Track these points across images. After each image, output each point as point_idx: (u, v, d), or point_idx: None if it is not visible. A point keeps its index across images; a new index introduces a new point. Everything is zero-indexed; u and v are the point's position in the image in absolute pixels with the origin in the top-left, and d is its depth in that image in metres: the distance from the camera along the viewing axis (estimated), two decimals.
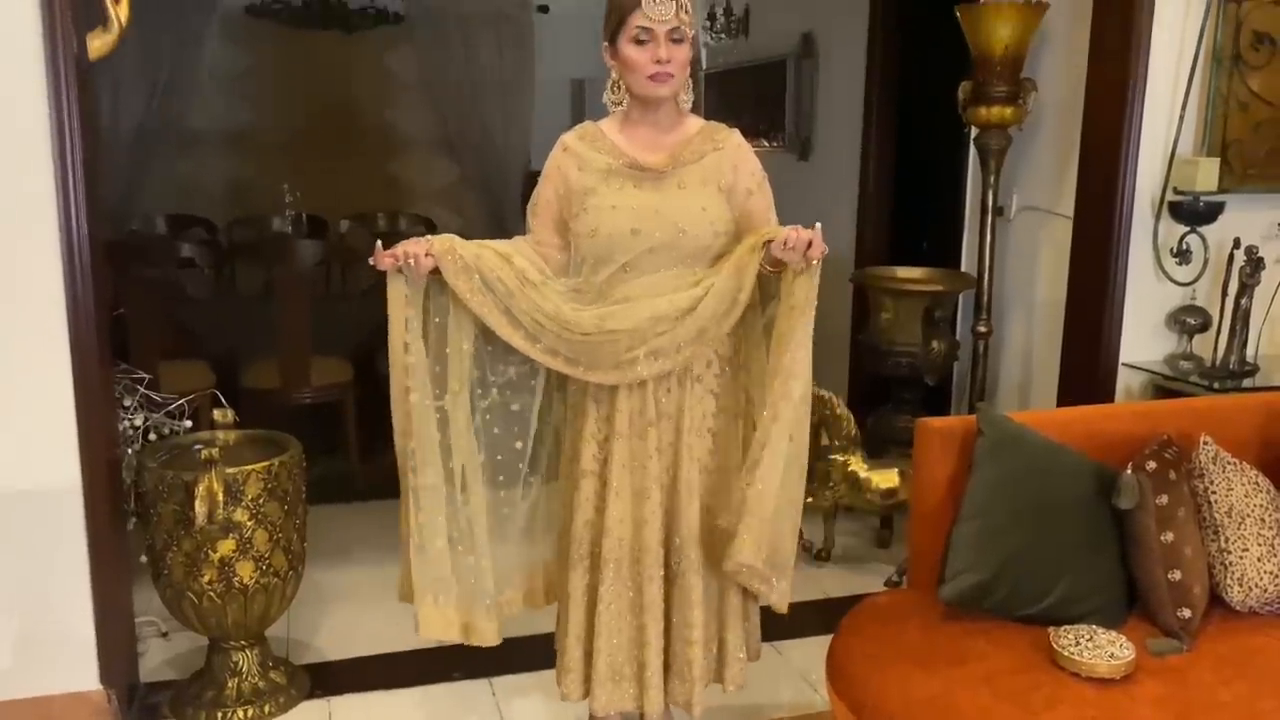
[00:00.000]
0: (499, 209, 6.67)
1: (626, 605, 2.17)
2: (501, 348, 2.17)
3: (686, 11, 2.04)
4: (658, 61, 2.03)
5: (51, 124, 2.31)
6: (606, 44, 2.09)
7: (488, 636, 2.21)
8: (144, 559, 2.65)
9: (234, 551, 2.53)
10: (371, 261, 2.07)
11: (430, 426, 2.13)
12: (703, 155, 2.12)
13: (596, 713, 2.25)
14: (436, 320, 2.13)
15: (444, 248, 2.07)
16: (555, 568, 2.30)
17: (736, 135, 2.19)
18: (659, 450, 2.14)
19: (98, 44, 2.37)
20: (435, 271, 2.08)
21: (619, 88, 2.12)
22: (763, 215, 2.17)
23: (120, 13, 2.37)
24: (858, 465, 3.53)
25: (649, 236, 2.06)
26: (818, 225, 2.00)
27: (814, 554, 3.69)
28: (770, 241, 2.01)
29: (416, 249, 2.05)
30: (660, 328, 2.07)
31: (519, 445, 2.22)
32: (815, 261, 2.01)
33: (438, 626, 2.20)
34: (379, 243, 2.08)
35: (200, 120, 6.51)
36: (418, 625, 2.19)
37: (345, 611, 3.24)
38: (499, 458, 2.21)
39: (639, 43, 2.03)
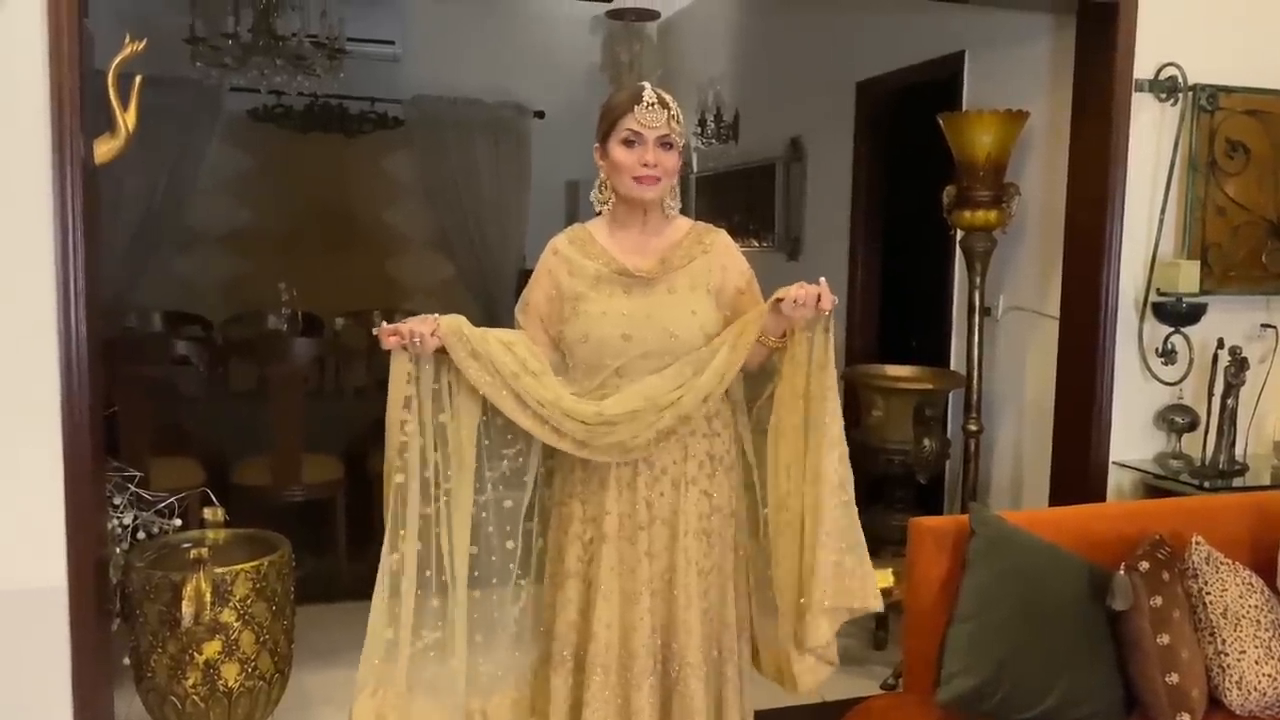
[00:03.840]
0: (493, 307, 6.74)
1: (614, 712, 2.11)
2: (498, 441, 2.16)
3: (678, 121, 2.11)
4: (645, 165, 2.07)
5: (55, 227, 2.35)
6: (598, 145, 2.14)
7: None
8: (127, 661, 2.60)
9: (220, 653, 2.49)
10: (375, 333, 2.07)
11: (415, 513, 2.09)
12: (691, 259, 2.16)
13: None
14: (437, 411, 2.10)
15: (451, 328, 2.07)
16: (538, 670, 2.24)
17: (724, 236, 2.24)
18: (650, 554, 2.11)
19: (104, 149, 2.43)
20: (439, 352, 2.07)
21: (606, 188, 2.16)
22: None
23: (128, 120, 2.43)
24: None
25: (641, 342, 2.08)
26: (823, 279, 2.06)
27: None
28: (779, 300, 2.06)
29: (423, 328, 2.05)
30: (660, 407, 2.05)
31: (510, 545, 2.20)
32: (828, 312, 2.06)
33: None
34: (383, 323, 2.08)
35: (200, 219, 6.63)
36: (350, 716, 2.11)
37: (331, 717, 3.17)
38: (492, 558, 2.18)
39: (628, 145, 2.08)
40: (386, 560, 2.10)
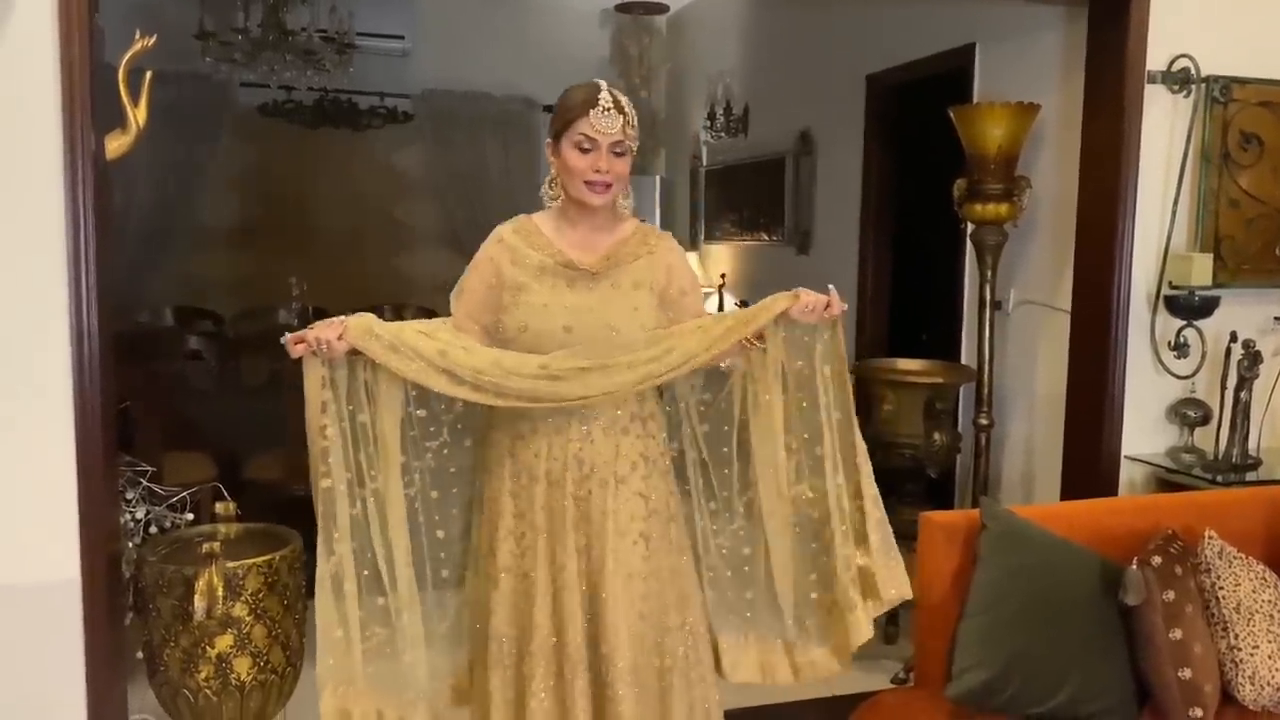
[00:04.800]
0: None
1: (555, 704, 2.06)
2: (421, 433, 2.13)
3: (632, 126, 2.07)
4: (597, 171, 2.05)
5: (67, 222, 2.36)
6: (550, 140, 2.12)
7: None
8: (140, 655, 2.61)
9: (232, 647, 2.50)
10: (281, 341, 2.03)
11: (345, 515, 2.07)
12: (636, 257, 2.14)
13: None
14: (352, 409, 2.07)
15: (361, 328, 2.02)
16: (474, 668, 2.21)
17: (669, 240, 2.22)
18: (578, 552, 2.07)
19: (115, 145, 2.44)
20: (352, 353, 2.03)
21: (556, 184, 2.14)
22: (694, 315, 2.19)
23: (138, 115, 2.44)
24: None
25: (581, 334, 2.05)
26: (831, 287, 2.09)
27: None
28: (786, 306, 2.08)
29: (329, 333, 2.01)
30: (612, 366, 2.03)
31: (440, 535, 2.18)
32: (837, 315, 2.10)
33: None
34: (286, 334, 2.04)
35: (210, 214, 6.64)
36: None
37: None
38: (424, 550, 2.16)
39: (582, 150, 2.05)
40: (324, 565, 2.07)
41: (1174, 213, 3.17)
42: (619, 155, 2.07)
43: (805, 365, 2.17)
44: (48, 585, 2.43)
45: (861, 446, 2.21)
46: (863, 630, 2.18)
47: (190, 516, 2.86)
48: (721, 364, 2.17)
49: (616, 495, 2.08)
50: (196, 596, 2.41)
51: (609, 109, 2.02)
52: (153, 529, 2.79)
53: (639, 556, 2.09)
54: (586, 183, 2.06)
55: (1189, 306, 3.14)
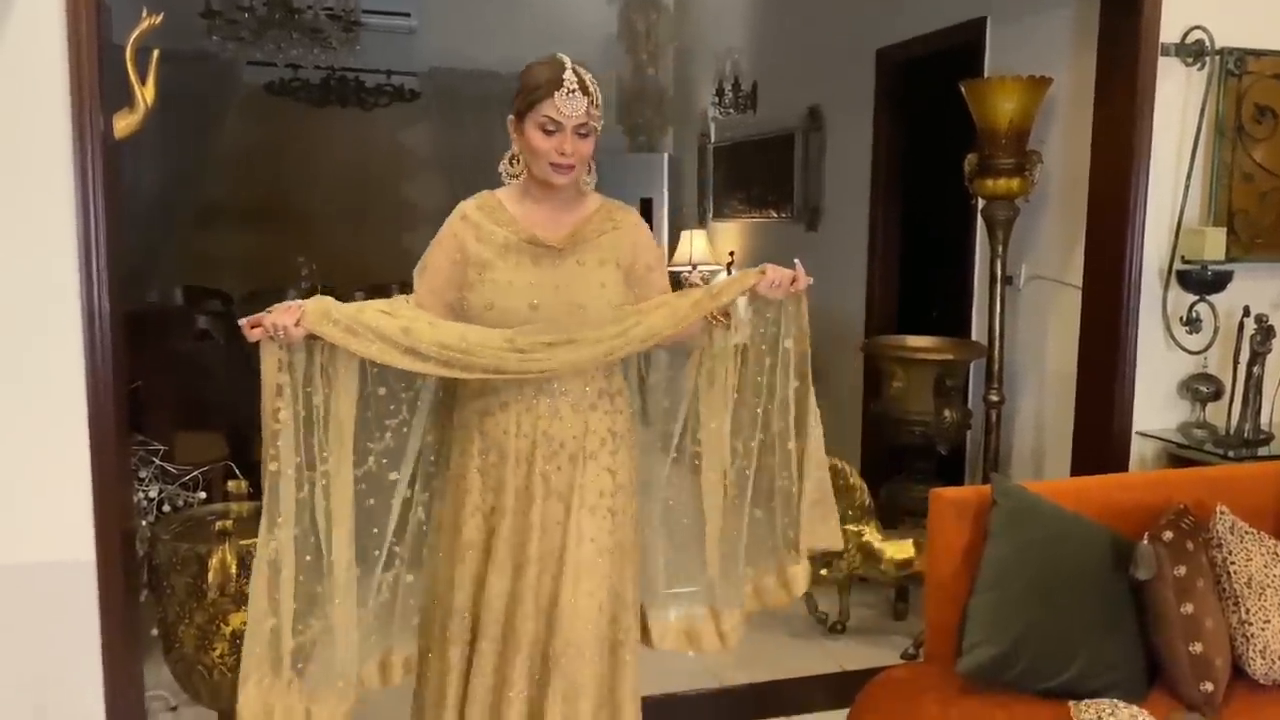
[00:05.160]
0: None
1: (497, 684, 2.06)
2: (380, 412, 2.10)
3: (597, 107, 2.04)
4: (561, 154, 2.02)
5: (76, 201, 2.36)
6: (512, 117, 2.08)
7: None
8: (155, 632, 2.63)
9: (246, 624, 2.51)
10: (240, 324, 1.99)
11: (290, 499, 2.04)
12: (601, 233, 2.12)
13: None
14: (309, 390, 2.04)
15: (318, 312, 1.98)
16: (421, 643, 2.20)
17: (634, 215, 2.20)
18: (542, 528, 2.06)
19: (123, 124, 2.43)
20: (310, 337, 2.00)
21: (518, 161, 2.11)
22: (659, 291, 2.18)
23: (146, 94, 2.43)
24: (872, 536, 3.51)
25: (547, 312, 2.04)
26: (796, 260, 2.12)
27: (829, 626, 3.65)
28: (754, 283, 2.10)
29: (285, 319, 1.96)
30: (578, 341, 2.03)
31: (393, 518, 2.15)
32: (803, 289, 2.13)
33: (257, 713, 2.08)
34: (244, 319, 2.00)
35: (218, 194, 6.65)
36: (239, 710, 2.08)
37: None
38: (373, 530, 2.14)
39: (546, 132, 2.01)
40: (264, 549, 2.05)
41: (1187, 186, 3.15)
42: (583, 136, 2.03)
43: (766, 339, 2.19)
44: (63, 564, 2.45)
45: (815, 412, 2.25)
46: (800, 584, 2.29)
47: (203, 495, 2.88)
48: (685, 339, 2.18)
49: (585, 471, 2.08)
50: (210, 574, 2.42)
51: (574, 90, 1.99)
52: (165, 507, 2.81)
53: (605, 531, 2.10)
54: (551, 164, 2.03)
55: (1201, 281, 3.12)
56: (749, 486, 2.24)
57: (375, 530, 2.14)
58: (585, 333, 2.03)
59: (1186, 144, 3.14)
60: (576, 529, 2.07)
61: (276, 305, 2.01)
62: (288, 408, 2.02)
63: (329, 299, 2.04)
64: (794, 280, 2.11)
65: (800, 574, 2.29)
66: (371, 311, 2.04)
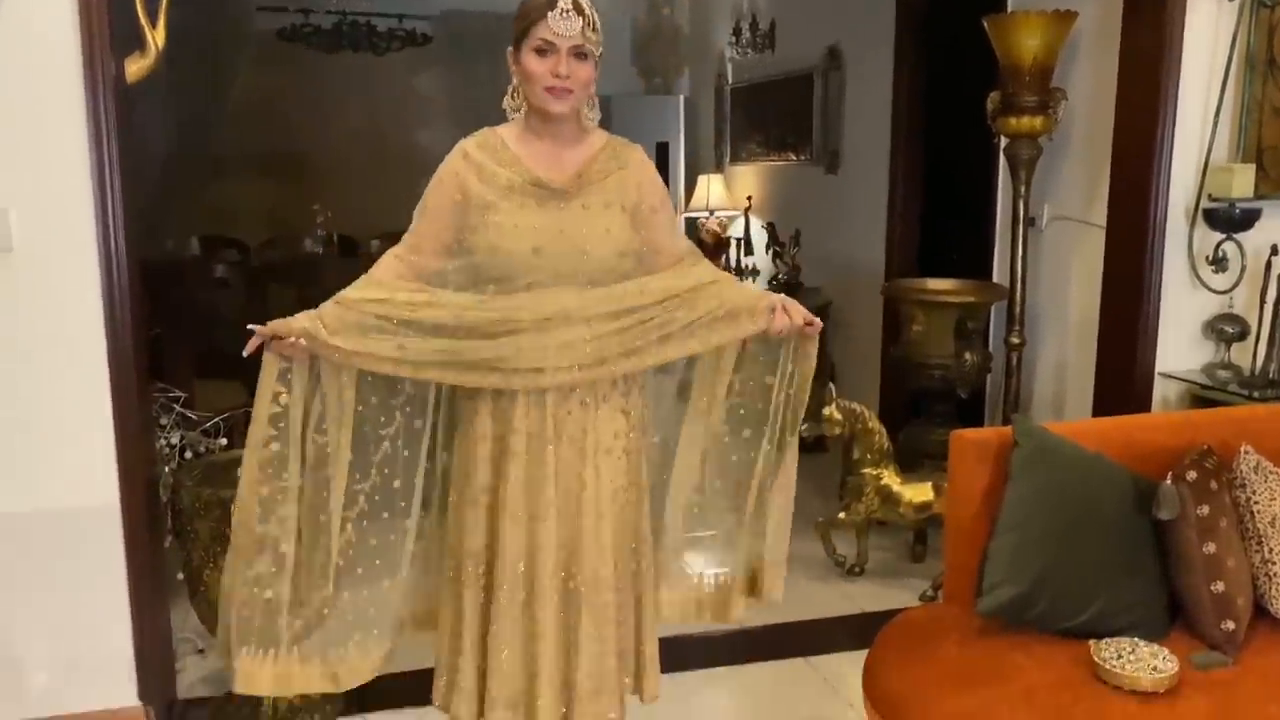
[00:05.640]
0: None
1: (521, 631, 2.07)
2: (390, 390, 2.12)
3: (594, 29, 1.98)
4: (556, 75, 1.97)
5: (91, 146, 2.35)
6: (511, 49, 2.04)
7: (360, 674, 2.15)
8: (181, 576, 2.67)
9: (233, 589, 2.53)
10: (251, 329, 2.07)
11: (295, 476, 2.07)
12: (607, 175, 2.07)
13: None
14: (314, 378, 2.08)
15: (317, 344, 2.03)
16: (440, 593, 2.21)
17: (639, 152, 2.14)
18: (556, 473, 2.05)
19: (135, 68, 2.41)
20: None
21: (518, 95, 2.06)
22: (665, 232, 2.13)
23: (157, 37, 2.41)
24: (891, 479, 3.51)
25: (551, 258, 2.00)
26: (801, 312, 2.13)
27: (847, 569, 3.66)
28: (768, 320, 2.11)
29: (287, 350, 2.05)
30: (573, 320, 2.00)
31: (415, 480, 2.17)
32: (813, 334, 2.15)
33: (264, 682, 2.09)
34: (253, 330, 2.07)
35: (232, 142, 6.62)
36: (236, 681, 2.08)
37: None
38: (395, 484, 2.15)
39: (540, 54, 1.97)
40: (263, 527, 2.06)
41: (1215, 122, 3.08)
42: (580, 59, 1.98)
43: (760, 379, 2.20)
44: (89, 509, 2.48)
45: (793, 452, 2.25)
46: (735, 613, 2.30)
47: (224, 441, 2.90)
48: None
49: (598, 414, 2.07)
50: (233, 518, 2.44)
51: (568, 10, 1.94)
52: (187, 454, 2.83)
53: (621, 471, 2.10)
54: (546, 89, 1.98)
55: (1229, 219, 3.07)
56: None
57: (398, 484, 2.14)
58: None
59: (1216, 79, 3.07)
60: (595, 472, 2.06)
61: (277, 325, 2.06)
62: (289, 393, 2.07)
63: (319, 321, 2.03)
64: (809, 322, 2.12)
65: (737, 603, 2.30)
66: (370, 306, 2.05)
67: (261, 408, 2.08)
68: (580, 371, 2.02)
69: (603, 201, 2.05)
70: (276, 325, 2.04)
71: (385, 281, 2.10)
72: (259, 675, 2.08)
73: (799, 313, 2.11)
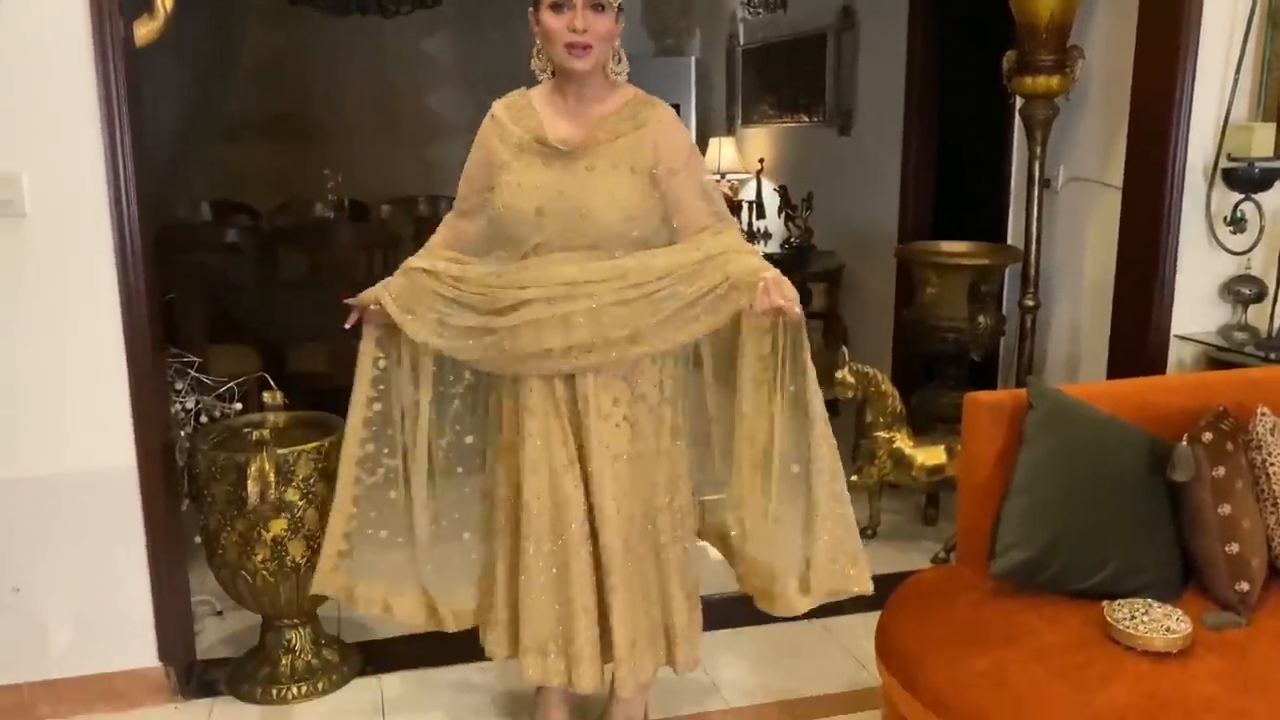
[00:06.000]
0: None
1: (550, 580, 2.12)
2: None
3: None
4: (573, 30, 1.95)
5: (101, 109, 2.34)
6: (531, 9, 2.03)
7: (463, 619, 2.32)
8: (198, 539, 2.69)
9: (286, 531, 2.56)
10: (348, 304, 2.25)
11: (396, 431, 2.28)
12: (619, 135, 2.03)
13: (530, 683, 2.22)
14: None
15: (386, 305, 2.19)
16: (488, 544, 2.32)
17: (663, 110, 2.09)
18: (563, 432, 2.10)
19: (144, 31, 2.40)
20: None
21: (543, 55, 2.07)
22: (690, 199, 2.08)
23: (165, 0, 2.39)
24: (903, 442, 3.51)
25: (553, 219, 2.01)
26: (782, 295, 1.97)
27: (859, 531, 3.66)
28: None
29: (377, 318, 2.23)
30: (576, 294, 2.02)
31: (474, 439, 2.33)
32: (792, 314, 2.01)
33: (412, 610, 2.32)
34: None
35: (242, 107, 6.57)
36: (390, 611, 2.35)
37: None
38: (467, 439, 2.32)
39: (556, 9, 1.95)
40: (371, 478, 2.30)
41: (1235, 80, 3.03)
42: (597, 11, 1.96)
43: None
44: (106, 472, 2.51)
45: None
46: (782, 605, 2.25)
47: (239, 406, 2.91)
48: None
49: (596, 380, 2.08)
50: (249, 482, 2.46)
51: None
52: (203, 418, 2.84)
53: (624, 439, 2.10)
54: (567, 46, 1.97)
55: (1248, 179, 3.03)
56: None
57: (470, 440, 2.31)
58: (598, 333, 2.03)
59: (1236, 35, 3.02)
60: (597, 439, 2.09)
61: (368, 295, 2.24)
62: (386, 357, 2.25)
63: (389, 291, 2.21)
64: (784, 310, 1.97)
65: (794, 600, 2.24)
66: (426, 278, 2.19)
67: (363, 370, 2.26)
68: (582, 357, 2.04)
69: (610, 163, 2.03)
70: (362, 296, 2.21)
71: (434, 249, 2.21)
72: (366, 598, 2.33)
73: (778, 294, 1.96)
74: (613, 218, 2.01)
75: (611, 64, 2.05)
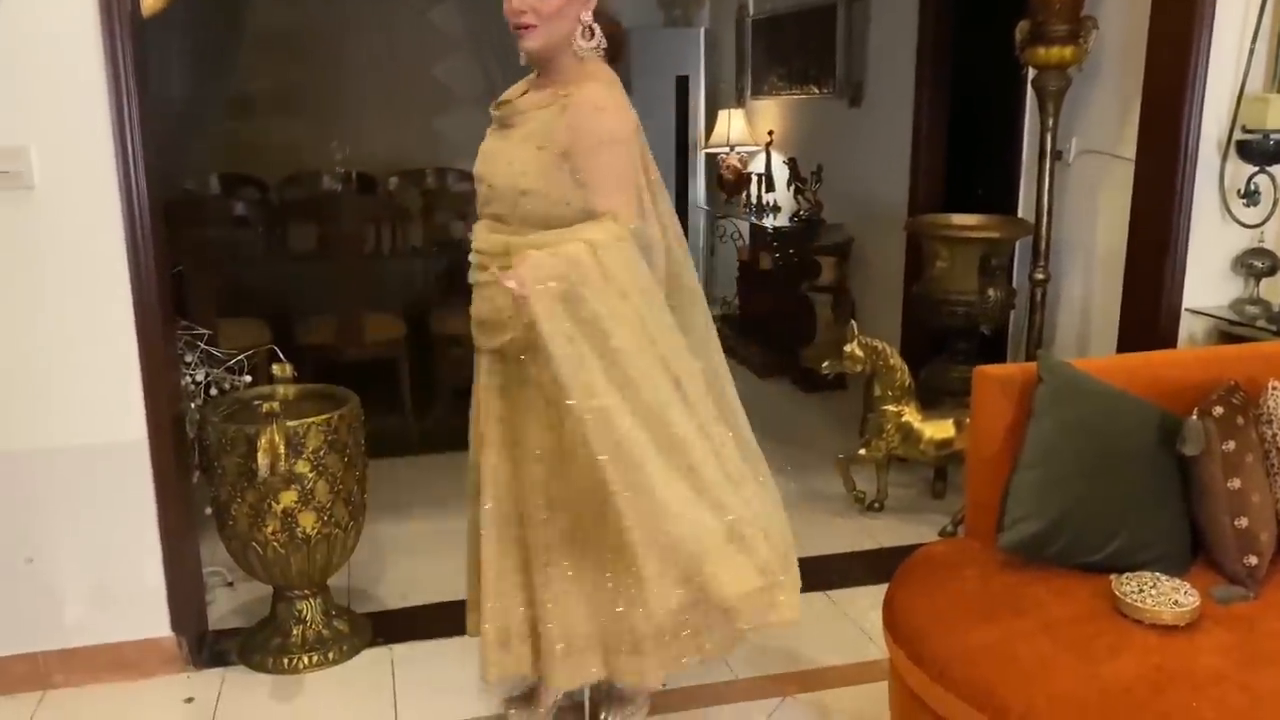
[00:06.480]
0: None
1: (512, 565, 2.10)
2: None
3: None
4: (513, 11, 1.93)
5: (108, 80, 2.33)
6: None
7: None
8: (209, 511, 2.71)
9: (296, 503, 2.58)
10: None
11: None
12: (541, 108, 1.99)
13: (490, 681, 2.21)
14: None
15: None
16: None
17: (587, 93, 1.94)
18: (514, 418, 2.09)
19: (151, 1, 2.39)
20: None
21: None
22: (580, 183, 1.92)
23: None
24: (912, 416, 3.51)
25: (479, 183, 2.09)
26: (508, 276, 1.81)
27: (866, 504, 3.68)
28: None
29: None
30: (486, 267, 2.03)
31: None
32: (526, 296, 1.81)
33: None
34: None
35: (249, 79, 6.54)
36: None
37: (404, 562, 3.30)
38: None
39: None
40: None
41: (1251, 51, 3.00)
42: None
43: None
44: (118, 444, 2.52)
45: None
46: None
47: (249, 379, 2.92)
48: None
49: (523, 371, 2.05)
50: (260, 454, 2.47)
51: None
52: (213, 391, 2.85)
53: (546, 424, 2.04)
54: (514, 28, 1.96)
55: (1263, 151, 3.00)
56: None
57: None
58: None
59: (1252, 5, 2.98)
60: (534, 425, 2.05)
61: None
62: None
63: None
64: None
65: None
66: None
67: None
68: (498, 333, 2.05)
69: (522, 134, 2.01)
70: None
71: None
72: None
73: (509, 275, 1.81)
74: (506, 188, 1.98)
75: (579, 39, 1.97)
